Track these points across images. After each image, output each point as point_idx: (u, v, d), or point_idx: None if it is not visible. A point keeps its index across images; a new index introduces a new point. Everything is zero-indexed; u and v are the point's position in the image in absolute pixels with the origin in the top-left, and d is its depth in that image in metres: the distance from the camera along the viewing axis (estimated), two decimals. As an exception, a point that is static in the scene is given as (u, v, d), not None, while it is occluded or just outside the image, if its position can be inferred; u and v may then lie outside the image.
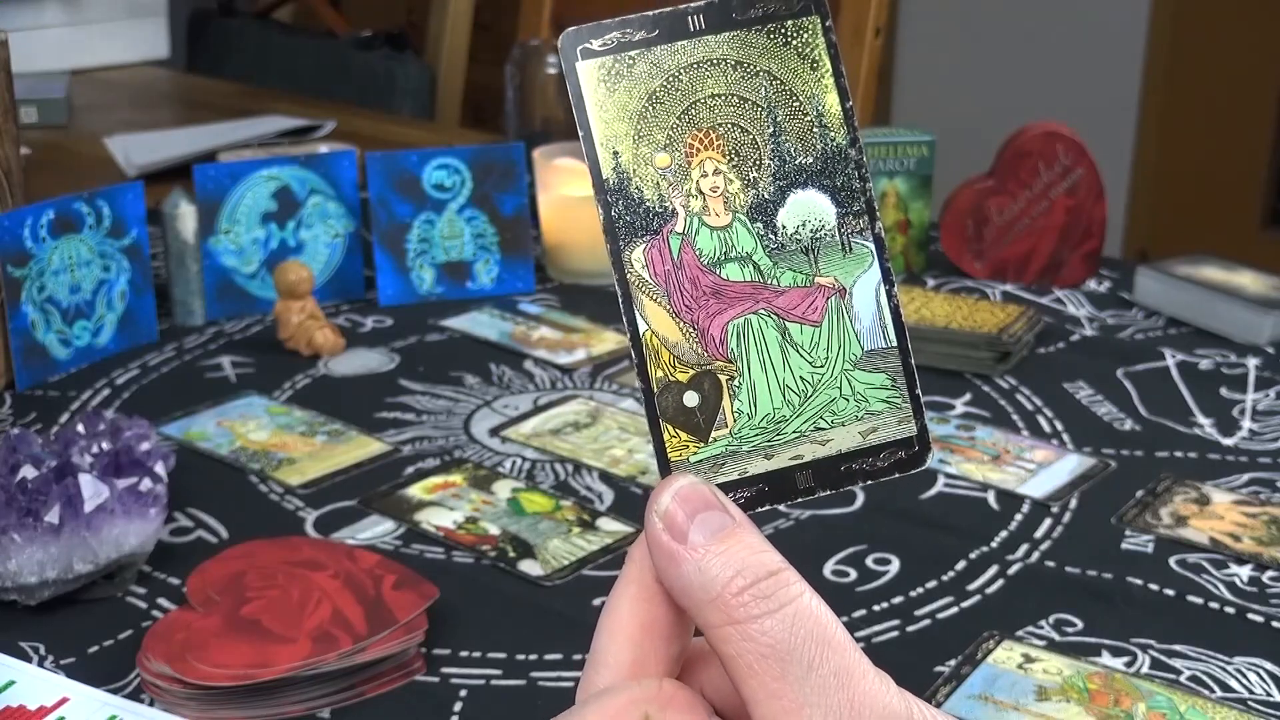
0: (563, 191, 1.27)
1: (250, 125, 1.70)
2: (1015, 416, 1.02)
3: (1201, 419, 1.01)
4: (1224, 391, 1.06)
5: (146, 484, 0.79)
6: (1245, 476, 0.93)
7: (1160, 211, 3.26)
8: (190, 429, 0.99)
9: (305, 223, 1.21)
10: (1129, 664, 0.72)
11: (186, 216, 1.16)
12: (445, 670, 0.72)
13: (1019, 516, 0.88)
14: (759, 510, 0.40)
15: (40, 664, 0.72)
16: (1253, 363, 1.11)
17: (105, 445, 0.81)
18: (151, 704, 0.68)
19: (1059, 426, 1.00)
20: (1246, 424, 1.01)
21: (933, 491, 0.91)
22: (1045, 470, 0.93)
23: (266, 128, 1.68)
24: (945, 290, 1.24)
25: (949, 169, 1.42)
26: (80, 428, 0.84)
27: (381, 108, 2.07)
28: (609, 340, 1.15)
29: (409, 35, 2.33)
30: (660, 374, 0.40)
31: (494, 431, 0.99)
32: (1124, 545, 0.84)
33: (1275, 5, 3.09)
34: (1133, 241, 3.23)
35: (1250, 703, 0.70)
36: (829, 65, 0.40)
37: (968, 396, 1.05)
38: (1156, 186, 3.25)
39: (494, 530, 0.85)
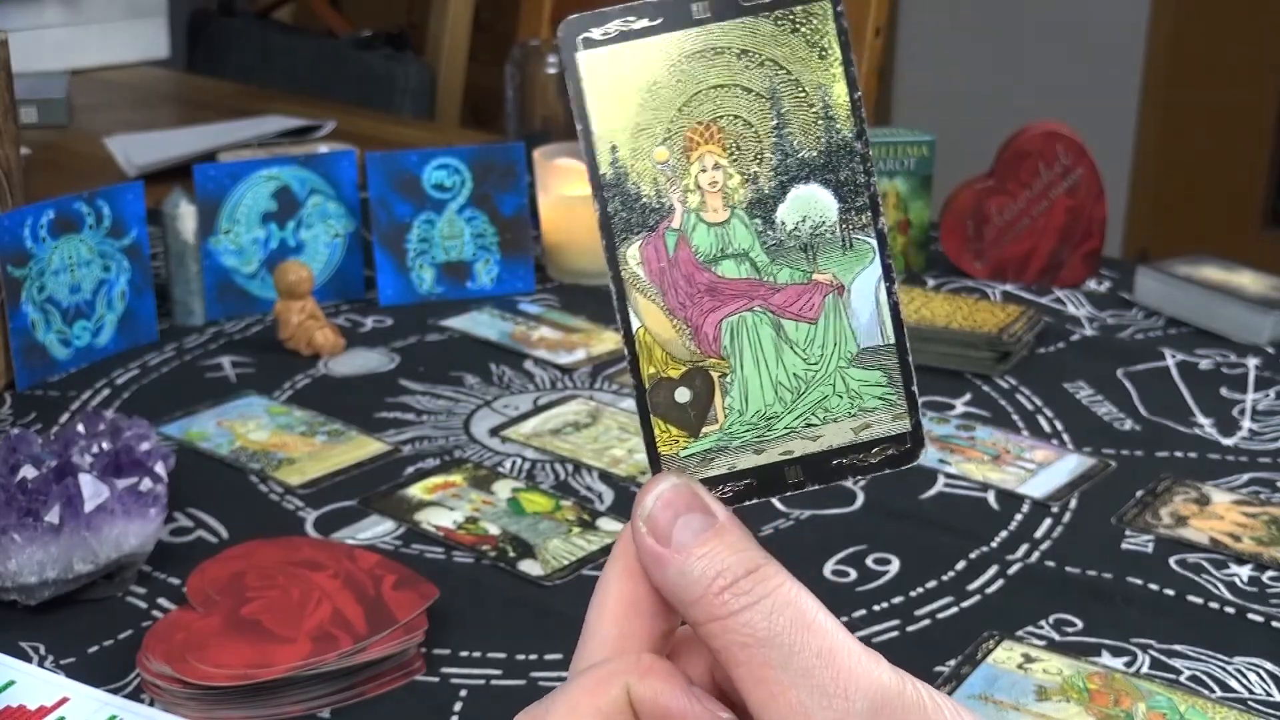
0: (563, 191, 1.27)
1: (250, 125, 1.70)
2: (1015, 416, 1.02)
3: (1201, 419, 1.01)
4: (1224, 391, 1.06)
5: (146, 484, 0.79)
6: (1245, 476, 0.93)
7: (1160, 211, 3.26)
8: (190, 429, 0.99)
9: (305, 223, 1.21)
10: (1129, 664, 0.72)
11: (186, 216, 1.16)
12: (445, 670, 0.72)
13: (1019, 516, 0.88)
14: (747, 504, 0.40)
15: (40, 664, 0.72)
16: (1253, 363, 1.11)
17: (105, 445, 0.81)
18: (151, 704, 0.68)
19: (1059, 426, 1.00)
20: (1246, 424, 1.01)
21: (933, 491, 0.91)
22: (1045, 470, 0.93)
23: (266, 128, 1.68)
24: (945, 290, 1.24)
25: (949, 169, 1.42)
26: (80, 428, 0.83)
27: (381, 108, 2.07)
28: (609, 340, 1.15)
29: (409, 35, 2.33)
30: (652, 370, 0.40)
31: (494, 431, 0.99)
32: (1124, 545, 0.84)
33: (1275, 5, 3.09)
34: (1133, 241, 3.23)
35: (1250, 703, 0.70)
36: (838, 53, 0.39)
37: (968, 396, 1.05)
38: (1156, 186, 3.25)
39: (494, 530, 0.85)
